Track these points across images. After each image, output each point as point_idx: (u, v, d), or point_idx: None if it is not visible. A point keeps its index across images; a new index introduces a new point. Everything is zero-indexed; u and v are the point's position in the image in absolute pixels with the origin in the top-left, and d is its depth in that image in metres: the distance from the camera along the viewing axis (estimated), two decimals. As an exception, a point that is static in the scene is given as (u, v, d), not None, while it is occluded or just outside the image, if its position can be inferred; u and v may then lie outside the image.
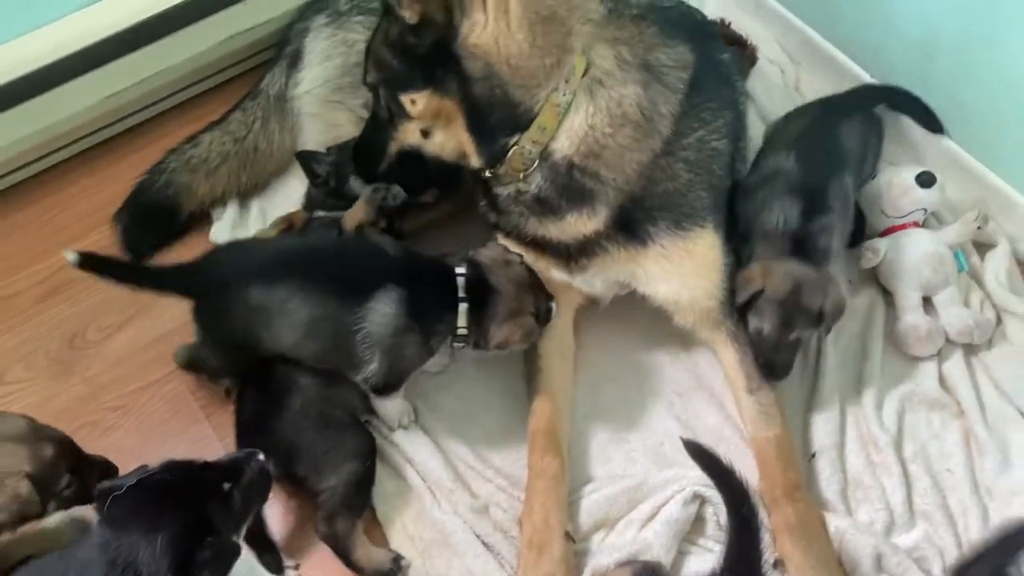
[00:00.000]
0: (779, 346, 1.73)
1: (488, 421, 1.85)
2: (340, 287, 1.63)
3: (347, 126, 2.03)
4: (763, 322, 1.73)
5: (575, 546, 1.66)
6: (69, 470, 1.52)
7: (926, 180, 1.95)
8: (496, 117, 1.61)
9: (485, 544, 1.68)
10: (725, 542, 1.47)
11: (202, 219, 2.13)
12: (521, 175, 1.66)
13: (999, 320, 1.95)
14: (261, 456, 1.42)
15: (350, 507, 1.64)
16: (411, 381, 1.80)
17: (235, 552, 1.28)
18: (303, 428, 1.66)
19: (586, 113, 1.60)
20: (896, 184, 1.98)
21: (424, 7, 1.53)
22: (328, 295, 1.62)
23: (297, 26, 2.16)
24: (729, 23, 2.36)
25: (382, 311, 1.62)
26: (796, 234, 1.78)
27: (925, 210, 1.99)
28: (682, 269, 1.72)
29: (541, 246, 1.76)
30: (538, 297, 1.71)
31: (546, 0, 1.57)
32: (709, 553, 1.66)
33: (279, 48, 2.20)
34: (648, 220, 1.68)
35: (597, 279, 1.80)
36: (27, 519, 1.45)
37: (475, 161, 1.69)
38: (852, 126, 1.99)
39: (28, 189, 2.20)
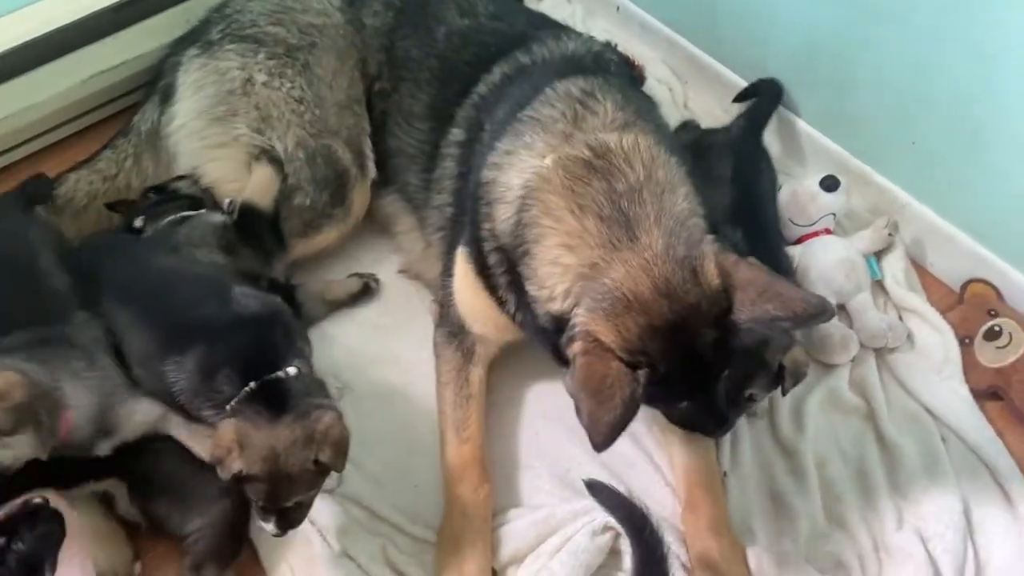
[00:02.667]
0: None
1: (386, 453, 1.74)
2: (164, 333, 1.50)
3: (223, 158, 1.93)
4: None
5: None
6: None
7: (830, 184, 1.96)
8: None
9: (385, 588, 1.56)
10: (632, 572, 1.37)
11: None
12: None
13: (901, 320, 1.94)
14: (38, 500, 1.33)
15: (220, 554, 1.50)
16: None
17: None
18: (163, 465, 1.52)
19: None
20: (801, 193, 1.98)
21: None
22: (151, 338, 1.51)
23: (170, 60, 2.06)
24: (616, 46, 2.35)
25: (186, 367, 1.47)
26: None
27: (834, 215, 1.99)
28: None
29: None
30: (269, 495, 1.39)
31: None
32: (623, 589, 1.57)
33: (152, 83, 2.09)
34: None
35: None
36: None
37: None
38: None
39: None
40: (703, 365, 1.36)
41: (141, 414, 1.49)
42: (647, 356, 1.31)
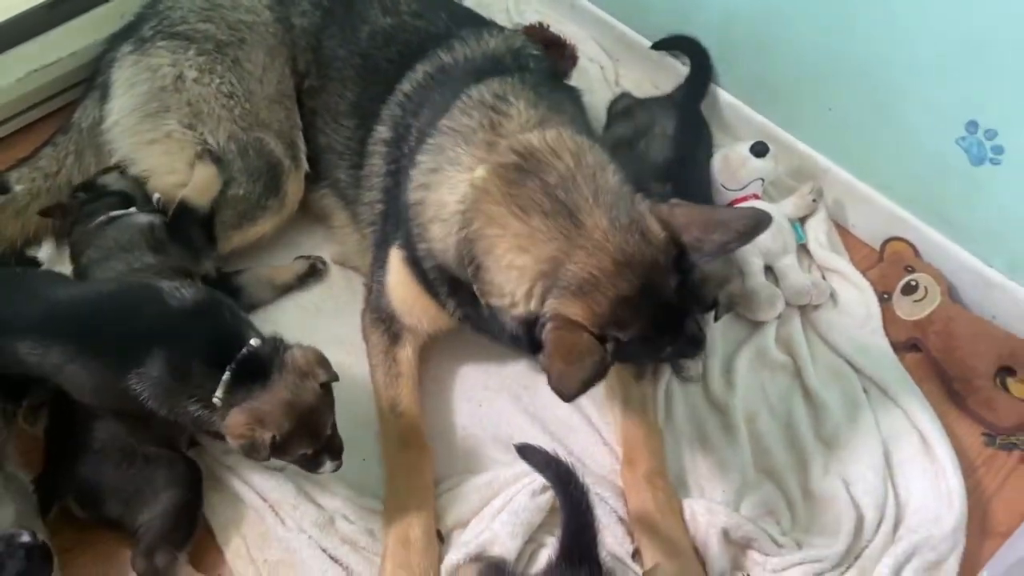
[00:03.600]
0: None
1: (332, 432, 1.79)
2: (114, 353, 1.49)
3: (157, 153, 1.95)
4: None
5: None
6: None
7: (759, 150, 2.04)
8: None
9: (332, 558, 1.61)
10: (560, 526, 1.44)
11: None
12: None
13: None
14: (25, 537, 1.36)
15: (170, 539, 1.54)
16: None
17: None
18: (105, 469, 1.55)
19: None
20: (732, 158, 2.06)
21: None
22: (103, 363, 1.49)
23: (107, 56, 2.07)
24: (548, 26, 2.42)
25: (151, 375, 1.48)
26: None
27: (763, 180, 2.06)
28: None
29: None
30: (303, 433, 1.47)
31: None
32: (566, 541, 1.64)
33: (91, 80, 2.11)
34: None
35: None
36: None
37: None
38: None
39: None
40: (673, 310, 1.45)
41: (4, 519, 1.47)
42: (621, 324, 1.39)
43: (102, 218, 1.80)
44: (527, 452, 1.48)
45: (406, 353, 1.80)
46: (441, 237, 1.57)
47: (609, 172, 1.50)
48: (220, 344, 1.50)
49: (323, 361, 1.52)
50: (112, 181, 1.90)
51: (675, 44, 2.26)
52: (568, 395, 1.37)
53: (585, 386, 1.36)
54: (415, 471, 1.68)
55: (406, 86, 1.86)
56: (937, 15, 1.69)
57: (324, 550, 1.61)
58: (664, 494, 1.67)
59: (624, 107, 2.20)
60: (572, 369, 1.36)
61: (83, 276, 1.78)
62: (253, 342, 1.51)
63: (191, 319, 1.53)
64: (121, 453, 1.56)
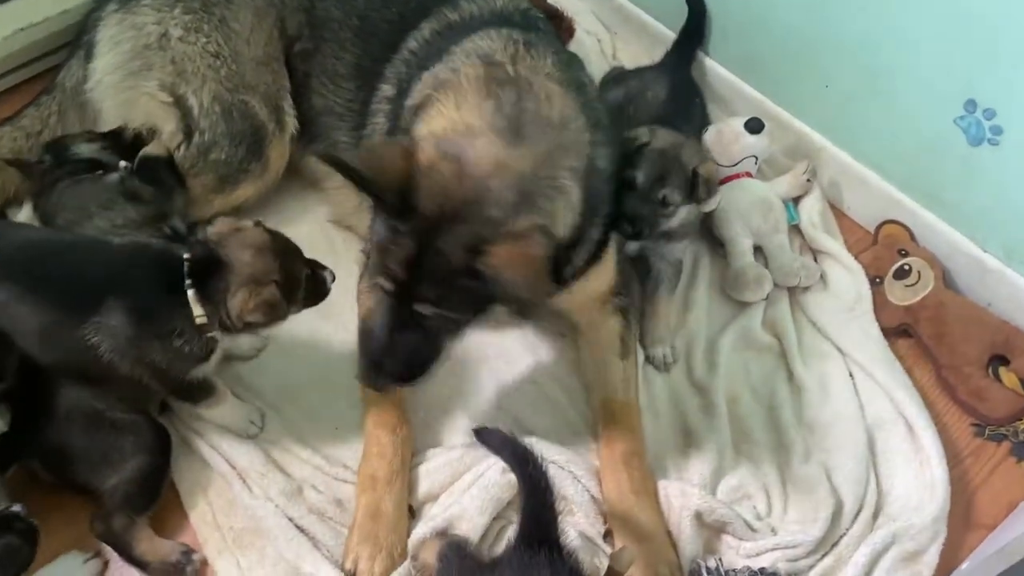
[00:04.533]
0: (646, 200, 1.72)
1: (305, 402, 1.77)
2: (65, 297, 1.49)
3: (144, 112, 1.93)
4: (638, 171, 1.71)
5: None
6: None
7: (754, 127, 1.99)
8: None
9: (299, 527, 1.60)
10: (519, 509, 1.41)
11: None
12: None
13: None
14: (16, 508, 1.39)
15: (132, 504, 1.53)
16: (236, 380, 1.75)
17: None
18: (72, 432, 1.54)
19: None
20: (726, 132, 2.01)
21: None
22: (53, 306, 1.49)
23: (92, 15, 2.05)
24: (545, -3, 2.37)
25: (109, 325, 1.48)
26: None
27: (756, 158, 2.02)
28: (587, 286, 1.70)
29: None
30: (289, 266, 1.54)
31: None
32: (537, 519, 1.61)
33: (76, 39, 2.09)
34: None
35: None
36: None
37: None
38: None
39: None
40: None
41: None
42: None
43: (66, 182, 1.78)
44: (484, 435, 1.45)
45: None
46: None
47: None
48: (164, 273, 1.50)
49: (234, 218, 1.58)
50: (84, 149, 1.87)
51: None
52: None
53: None
54: (391, 446, 1.65)
55: (412, 44, 1.83)
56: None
57: (291, 519, 1.60)
58: (640, 474, 1.64)
59: (616, 75, 2.16)
60: None
61: None
62: (184, 254, 1.51)
63: (133, 264, 1.53)
64: (87, 419, 1.55)
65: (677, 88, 2.02)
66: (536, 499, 1.33)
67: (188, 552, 1.55)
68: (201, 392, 1.62)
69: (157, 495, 1.58)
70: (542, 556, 1.27)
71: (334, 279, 1.62)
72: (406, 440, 1.67)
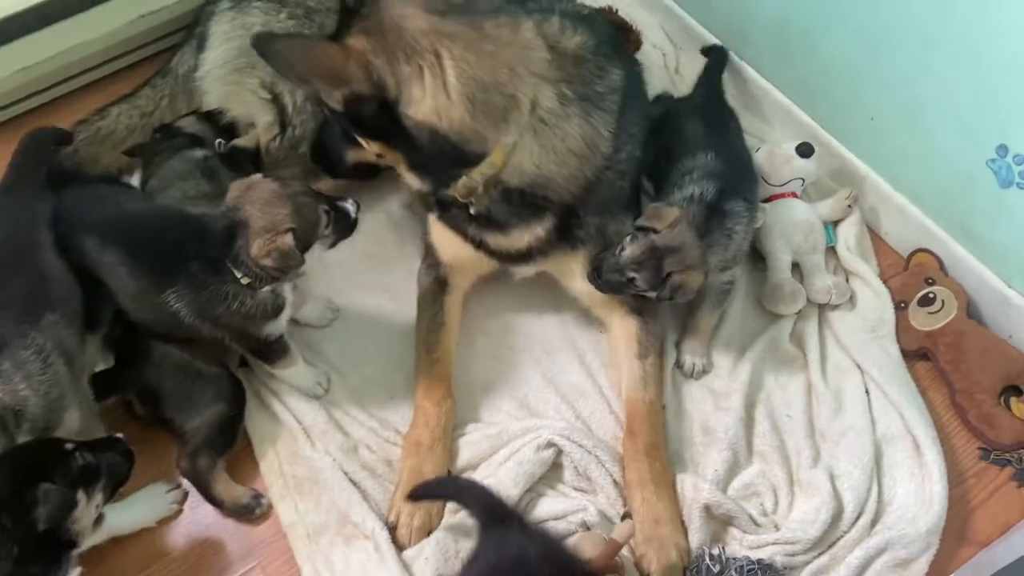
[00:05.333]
0: (617, 269, 1.77)
1: (366, 371, 1.98)
2: (152, 266, 1.70)
3: (244, 104, 2.16)
4: (628, 245, 1.77)
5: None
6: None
7: (805, 151, 2.10)
8: (445, 161, 1.67)
9: (352, 481, 1.80)
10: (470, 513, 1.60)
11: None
12: (465, 199, 1.74)
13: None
14: (119, 435, 1.59)
15: (212, 446, 1.76)
16: (307, 346, 1.96)
17: (65, 501, 1.43)
18: (163, 375, 1.78)
19: (531, 153, 1.67)
20: (778, 154, 2.12)
21: (351, 91, 1.61)
22: (143, 274, 1.70)
23: (206, 8, 2.27)
24: (616, 10, 2.50)
25: (184, 293, 1.68)
26: (710, 207, 1.84)
27: (803, 180, 2.13)
28: None
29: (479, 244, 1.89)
30: (302, 207, 1.65)
31: (486, 67, 1.61)
32: (563, 497, 1.80)
33: (190, 29, 2.31)
34: (581, 227, 1.80)
35: (528, 271, 1.94)
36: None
37: (416, 186, 1.81)
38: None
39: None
40: None
41: (71, 422, 1.66)
42: None
43: (166, 154, 2.03)
44: (425, 492, 1.70)
45: (451, 302, 1.98)
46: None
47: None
48: (204, 242, 1.67)
49: (245, 177, 1.72)
50: (188, 124, 2.12)
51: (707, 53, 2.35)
52: None
53: None
54: (436, 417, 1.85)
55: None
56: (973, 40, 1.73)
57: (345, 473, 1.81)
58: (660, 465, 1.79)
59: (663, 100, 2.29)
60: None
61: None
62: (207, 220, 1.69)
63: (198, 236, 1.69)
64: (176, 366, 1.79)
65: (710, 122, 2.09)
66: (480, 498, 1.54)
67: (258, 496, 1.79)
68: (276, 353, 1.84)
69: (233, 440, 1.81)
70: (514, 528, 1.45)
71: (359, 208, 1.74)
72: (449, 413, 1.86)
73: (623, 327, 1.94)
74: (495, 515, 1.50)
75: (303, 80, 1.70)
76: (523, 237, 1.83)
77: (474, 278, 2.00)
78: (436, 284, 1.98)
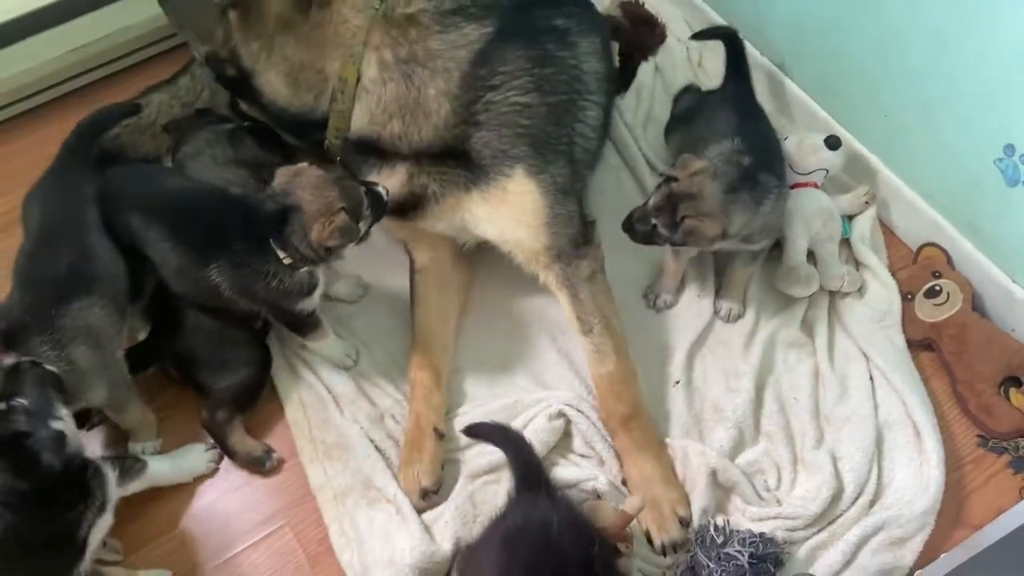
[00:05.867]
0: (643, 217, 1.88)
1: (392, 345, 2.08)
2: (194, 243, 1.80)
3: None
4: (655, 194, 1.87)
5: (446, 446, 1.90)
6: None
7: (833, 144, 2.17)
8: (299, 126, 1.95)
9: (378, 448, 1.91)
10: (510, 471, 1.69)
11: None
12: (337, 159, 1.95)
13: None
14: (9, 359, 1.60)
15: (234, 403, 1.90)
16: (338, 320, 2.07)
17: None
18: (197, 344, 1.91)
19: (361, 115, 1.86)
20: (807, 144, 2.19)
21: (211, 50, 1.92)
22: (186, 250, 1.80)
23: None
24: (642, 3, 2.57)
25: (224, 269, 1.79)
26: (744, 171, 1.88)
27: (827, 172, 2.19)
28: (501, 212, 1.88)
29: None
30: (348, 190, 1.78)
31: (301, 49, 1.86)
32: (575, 466, 1.89)
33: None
34: (463, 169, 1.87)
35: (438, 223, 1.97)
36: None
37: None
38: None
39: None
40: None
41: (96, 398, 1.76)
42: None
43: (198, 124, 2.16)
44: (480, 430, 1.77)
45: (419, 278, 2.08)
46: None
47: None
48: (256, 223, 1.78)
49: (289, 165, 1.83)
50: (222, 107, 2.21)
51: (712, 34, 2.41)
52: None
53: None
54: (415, 379, 1.96)
55: None
56: (983, 41, 1.80)
57: (372, 441, 1.91)
58: (640, 432, 1.86)
59: (692, 91, 2.38)
60: None
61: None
62: (253, 201, 1.80)
63: (241, 216, 1.80)
64: (208, 335, 1.90)
65: (745, 113, 2.16)
66: (523, 457, 1.63)
67: (269, 451, 1.92)
68: (309, 327, 1.94)
69: (255, 400, 1.96)
70: (543, 494, 1.56)
71: (388, 192, 1.87)
72: (425, 382, 1.94)
73: (560, 300, 1.95)
74: (529, 477, 1.59)
75: (179, 26, 2.00)
76: (383, 180, 1.90)
77: (433, 252, 2.08)
78: (409, 261, 2.11)
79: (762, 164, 1.93)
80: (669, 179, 1.85)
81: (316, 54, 1.85)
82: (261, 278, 1.79)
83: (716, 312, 2.11)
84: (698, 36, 2.46)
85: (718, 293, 2.13)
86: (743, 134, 2.00)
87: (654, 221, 1.85)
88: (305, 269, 1.82)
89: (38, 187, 1.92)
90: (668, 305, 2.13)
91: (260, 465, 1.91)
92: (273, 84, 1.89)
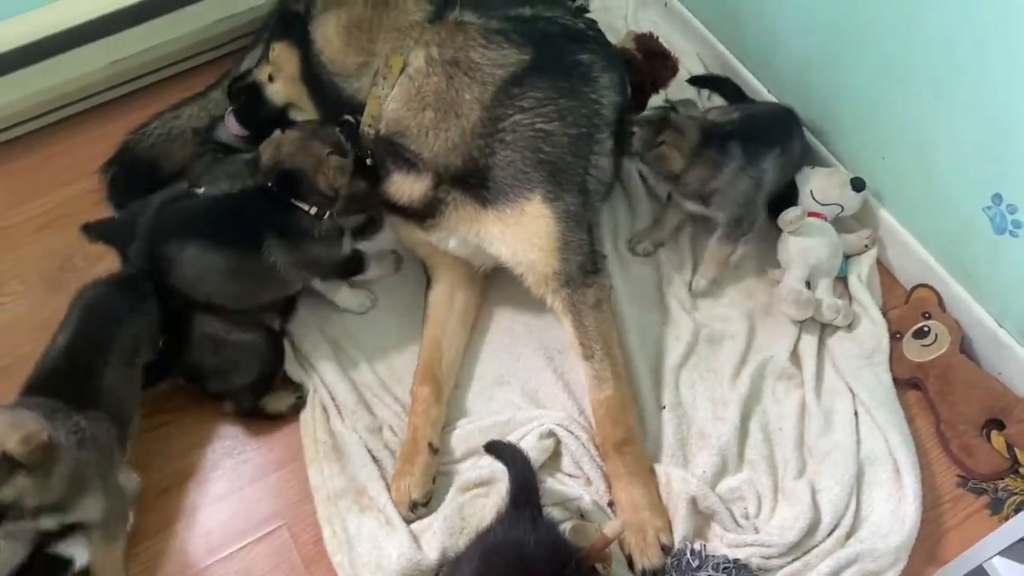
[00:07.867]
0: (634, 120, 2.15)
1: (396, 358, 2.16)
2: (239, 239, 1.95)
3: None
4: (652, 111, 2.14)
5: (440, 459, 1.98)
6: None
7: (858, 185, 2.23)
8: (330, 97, 2.03)
9: (374, 458, 1.98)
10: (508, 485, 1.74)
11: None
12: (368, 151, 2.03)
13: (851, 310, 2.23)
14: None
15: (253, 393, 2.04)
16: (344, 330, 2.18)
17: None
18: (204, 355, 1.99)
19: (398, 99, 1.95)
20: (835, 178, 2.25)
21: None
22: (233, 248, 1.94)
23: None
24: (657, 37, 2.64)
25: (273, 246, 1.94)
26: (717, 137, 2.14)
27: (842, 208, 2.26)
28: (516, 233, 1.95)
29: (395, 208, 2.08)
30: (326, 136, 1.98)
31: (359, 12, 1.99)
32: (562, 485, 1.95)
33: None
34: (481, 186, 1.95)
35: (451, 238, 2.05)
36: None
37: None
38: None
39: (32, 139, 2.55)
40: None
41: (92, 511, 1.73)
42: None
43: (209, 157, 2.30)
44: (494, 447, 1.83)
45: (434, 295, 2.16)
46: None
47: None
48: (270, 198, 1.98)
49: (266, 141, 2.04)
50: (219, 133, 2.35)
51: (709, 83, 2.52)
52: None
53: None
54: (417, 394, 2.03)
55: None
56: (976, 91, 1.85)
57: (369, 450, 1.99)
58: (632, 458, 1.91)
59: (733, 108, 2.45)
60: None
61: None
62: (258, 182, 2.01)
63: (264, 201, 1.99)
64: (214, 344, 1.98)
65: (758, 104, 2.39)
66: (522, 478, 1.69)
67: (296, 391, 2.09)
68: (353, 267, 2.13)
69: (272, 385, 2.07)
70: (527, 515, 1.62)
71: (356, 120, 2.01)
72: (429, 399, 2.01)
73: (564, 325, 2.01)
74: (521, 497, 1.66)
75: None
76: (406, 185, 2.00)
77: (450, 273, 2.17)
78: (425, 279, 2.20)
79: (742, 138, 2.14)
80: (672, 108, 2.01)
81: (376, 23, 1.97)
82: (306, 235, 1.97)
83: (689, 288, 2.25)
84: (695, 82, 2.56)
85: (694, 271, 2.28)
86: (748, 111, 2.24)
87: (635, 130, 2.07)
88: (328, 216, 2.01)
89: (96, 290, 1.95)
90: (647, 253, 2.30)
91: (298, 411, 2.08)
92: (328, 32, 2.00)
